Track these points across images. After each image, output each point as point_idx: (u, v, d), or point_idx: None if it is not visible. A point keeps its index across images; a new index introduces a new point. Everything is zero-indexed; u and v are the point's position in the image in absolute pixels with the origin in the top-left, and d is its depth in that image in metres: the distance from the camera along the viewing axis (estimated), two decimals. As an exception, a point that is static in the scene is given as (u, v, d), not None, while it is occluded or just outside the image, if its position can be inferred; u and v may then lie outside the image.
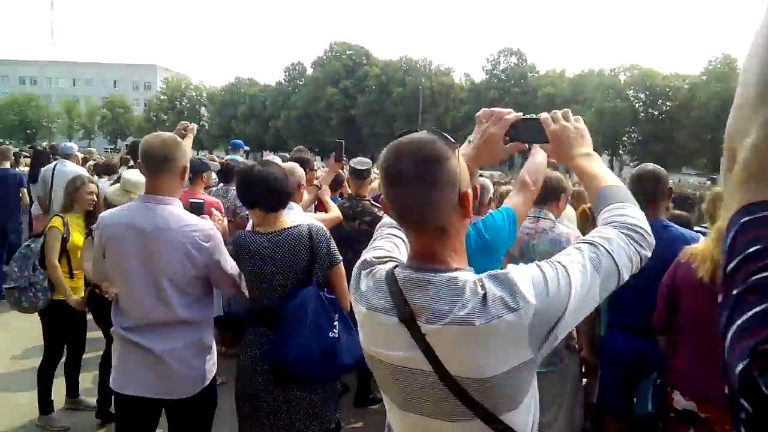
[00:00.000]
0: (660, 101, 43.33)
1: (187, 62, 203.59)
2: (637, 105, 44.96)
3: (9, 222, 7.65)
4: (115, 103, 72.07)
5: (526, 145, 1.59)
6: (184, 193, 3.48)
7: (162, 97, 73.07)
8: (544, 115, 1.44)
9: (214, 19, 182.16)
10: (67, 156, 7.99)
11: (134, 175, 4.20)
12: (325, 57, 65.41)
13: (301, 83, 67.77)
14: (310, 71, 67.21)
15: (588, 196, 1.45)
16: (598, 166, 1.39)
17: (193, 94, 77.81)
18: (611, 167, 52.35)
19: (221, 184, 5.87)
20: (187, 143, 3.55)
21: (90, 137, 69.42)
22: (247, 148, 10.10)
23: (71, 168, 7.32)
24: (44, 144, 15.63)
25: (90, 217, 4.20)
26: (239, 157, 8.83)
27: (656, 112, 43.78)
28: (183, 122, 3.97)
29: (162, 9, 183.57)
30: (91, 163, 10.93)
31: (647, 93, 44.13)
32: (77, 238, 4.18)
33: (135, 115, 74.33)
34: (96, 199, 4.31)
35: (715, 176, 44.10)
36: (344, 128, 60.96)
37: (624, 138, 46.55)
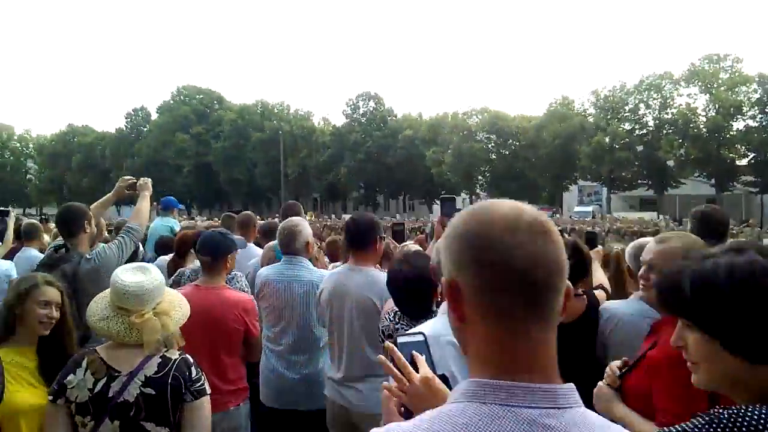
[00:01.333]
0: (510, 141, 45.98)
1: (9, 111, 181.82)
2: (489, 145, 47.30)
3: None
4: None
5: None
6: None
7: (-23, 149, 63.48)
8: None
9: (40, 63, 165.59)
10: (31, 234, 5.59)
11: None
12: (172, 101, 61.36)
13: (145, 129, 62.83)
14: (155, 116, 62.62)
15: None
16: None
17: (17, 145, 68.96)
18: (470, 203, 54.35)
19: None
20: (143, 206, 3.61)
21: None
22: (181, 206, 7.45)
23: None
24: None
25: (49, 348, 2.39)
26: (173, 220, 6.69)
27: (507, 152, 46.32)
28: (125, 178, 3.68)
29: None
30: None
31: (497, 134, 46.66)
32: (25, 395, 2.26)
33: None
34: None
35: (555, 209, 47.57)
36: (198, 175, 57.06)
37: (479, 177, 48.53)
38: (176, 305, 2.22)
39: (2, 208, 7.09)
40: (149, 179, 3.46)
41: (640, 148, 40.55)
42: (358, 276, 3.09)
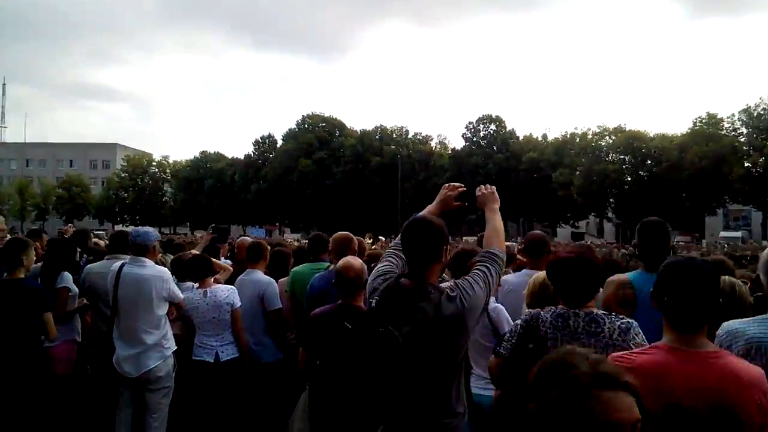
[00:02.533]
0: (648, 162, 42.90)
1: (149, 140, 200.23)
2: (623, 167, 44.47)
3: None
4: (72, 182, 68.03)
5: (465, 203, 2.81)
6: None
7: (123, 175, 69.54)
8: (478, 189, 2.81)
9: (177, 93, 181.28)
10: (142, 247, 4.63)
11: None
12: (297, 129, 63.95)
13: (271, 156, 65.85)
14: (280, 143, 65.53)
15: (485, 238, 2.70)
16: (495, 217, 2.69)
17: (156, 170, 74.74)
18: (601, 227, 51.40)
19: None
20: (497, 222, 2.96)
21: (44, 218, 64.73)
22: None
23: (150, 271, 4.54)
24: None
25: None
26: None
27: (644, 173, 43.24)
28: (453, 185, 3.07)
29: (118, 87, 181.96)
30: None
31: (633, 154, 43.77)
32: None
33: (93, 194, 70.30)
34: None
35: (695, 234, 43.52)
36: (319, 199, 58.72)
37: (611, 199, 45.78)
38: None
39: (221, 226, 7.00)
40: (493, 186, 2.76)
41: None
42: None
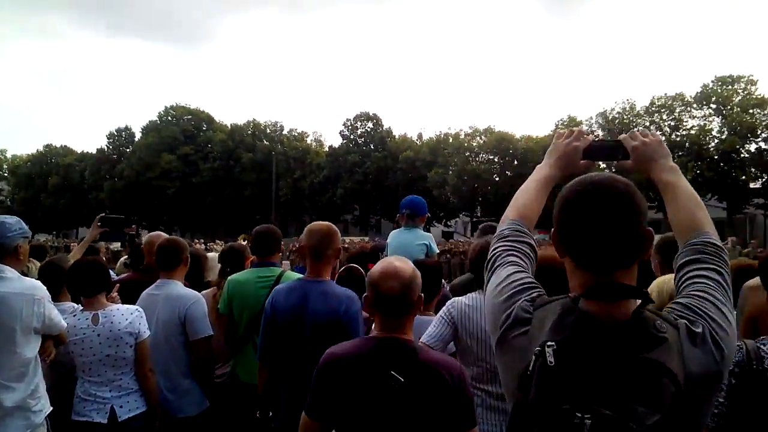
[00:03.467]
0: (515, 162, 44.90)
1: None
2: (493, 167, 46.18)
3: None
4: None
5: (599, 163, 1.72)
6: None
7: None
8: (622, 136, 1.63)
9: (17, 84, 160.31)
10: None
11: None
12: (159, 121, 58.96)
13: (128, 150, 60.15)
14: (139, 137, 60.05)
15: (676, 218, 1.46)
16: (682, 181, 1.50)
17: (-10, 166, 65.71)
18: (470, 224, 53.08)
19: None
20: None
21: None
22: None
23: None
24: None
25: None
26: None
27: (511, 173, 45.19)
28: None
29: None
30: None
31: (502, 155, 45.62)
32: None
33: None
34: None
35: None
36: (184, 198, 54.51)
37: (480, 198, 47.36)
38: None
39: (114, 216, 4.86)
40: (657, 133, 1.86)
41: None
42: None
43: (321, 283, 2.95)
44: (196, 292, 3.62)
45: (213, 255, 5.54)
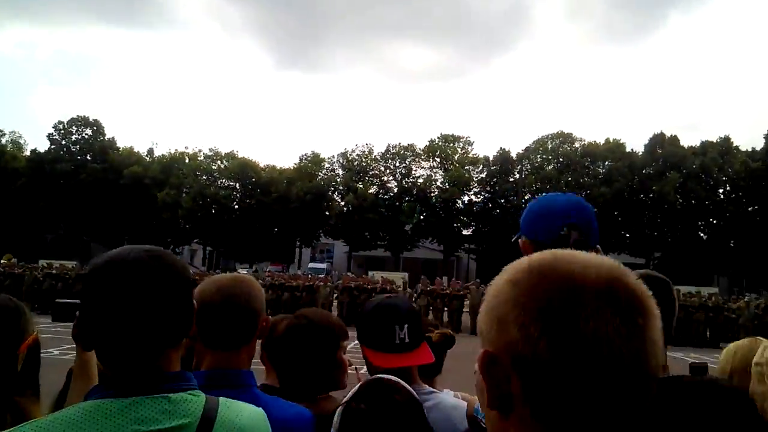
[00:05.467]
0: (258, 190, 43.20)
1: None
2: (234, 194, 43.76)
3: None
4: None
5: None
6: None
7: None
8: None
9: None
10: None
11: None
12: None
13: None
14: None
15: None
16: None
17: None
18: (208, 253, 49.03)
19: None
20: None
21: None
22: None
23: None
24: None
25: None
26: None
27: (253, 202, 43.39)
28: None
29: None
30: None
31: (245, 182, 43.57)
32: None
33: None
34: None
35: (285, 265, 46.38)
36: None
37: (217, 227, 44.41)
38: None
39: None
40: None
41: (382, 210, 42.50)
42: None
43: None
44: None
45: None
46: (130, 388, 0.98)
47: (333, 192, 43.66)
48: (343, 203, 42.44)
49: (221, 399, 1.08)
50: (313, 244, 49.99)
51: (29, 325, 1.56)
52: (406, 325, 1.62)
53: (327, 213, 42.81)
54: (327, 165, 45.02)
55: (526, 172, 42.75)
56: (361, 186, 42.48)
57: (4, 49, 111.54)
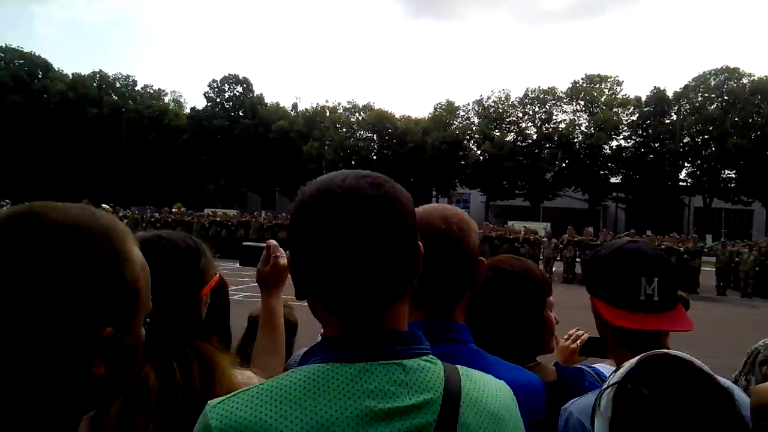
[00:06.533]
0: (395, 141, 43.73)
1: None
2: (372, 144, 44.72)
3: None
4: None
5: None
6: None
7: None
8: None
9: None
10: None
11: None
12: (-20, 62, 49.18)
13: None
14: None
15: None
16: None
17: None
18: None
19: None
20: None
21: None
22: None
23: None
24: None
25: None
26: None
27: (389, 152, 44.03)
28: None
29: None
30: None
31: (381, 133, 44.24)
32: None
33: None
34: None
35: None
36: (10, 154, 46.13)
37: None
38: None
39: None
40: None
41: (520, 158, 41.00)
42: None
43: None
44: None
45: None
46: (359, 351, 0.79)
47: (469, 141, 42.86)
48: (479, 152, 41.57)
49: (459, 368, 0.85)
50: (449, 193, 49.85)
51: (210, 267, 1.38)
52: (655, 279, 1.28)
53: (463, 162, 42.23)
54: (462, 113, 44.14)
55: (685, 113, 38.57)
56: (498, 134, 41.22)
57: (158, 15, 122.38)
